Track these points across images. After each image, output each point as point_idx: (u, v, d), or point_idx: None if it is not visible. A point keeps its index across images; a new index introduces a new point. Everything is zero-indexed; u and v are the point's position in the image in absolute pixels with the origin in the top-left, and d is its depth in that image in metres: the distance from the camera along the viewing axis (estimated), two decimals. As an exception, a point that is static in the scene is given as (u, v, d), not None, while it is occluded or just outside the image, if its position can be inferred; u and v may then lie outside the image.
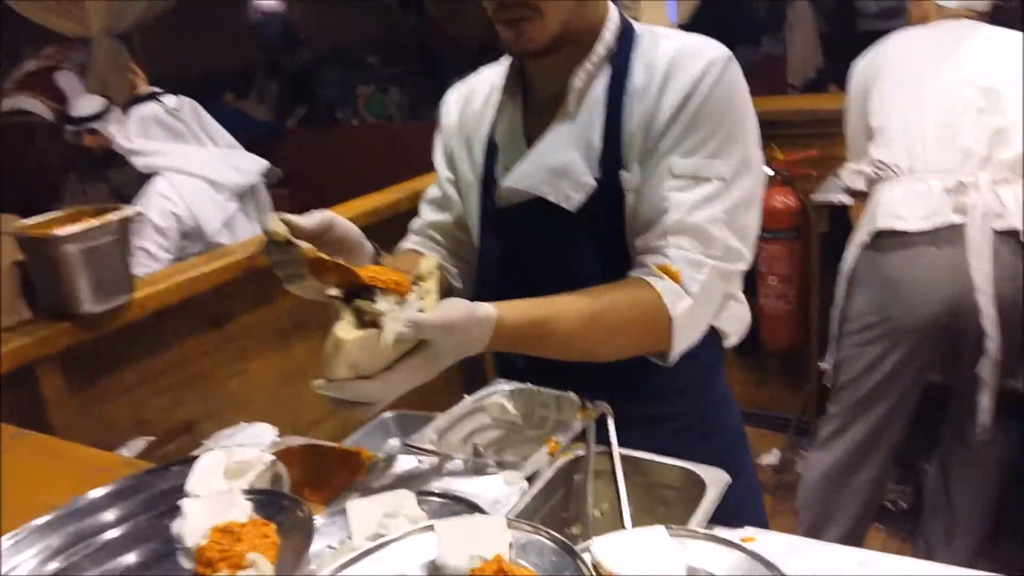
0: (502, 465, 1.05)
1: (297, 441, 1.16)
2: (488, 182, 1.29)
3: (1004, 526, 2.53)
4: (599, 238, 1.19)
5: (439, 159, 1.40)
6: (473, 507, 0.91)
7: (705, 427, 1.32)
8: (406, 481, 1.06)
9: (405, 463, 1.10)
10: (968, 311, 2.14)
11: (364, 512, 0.91)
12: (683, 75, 1.13)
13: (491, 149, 1.30)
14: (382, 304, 0.91)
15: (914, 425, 2.41)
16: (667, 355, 1.14)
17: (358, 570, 0.79)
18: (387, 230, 2.14)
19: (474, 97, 1.35)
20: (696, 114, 1.11)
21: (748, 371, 3.56)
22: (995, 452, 2.38)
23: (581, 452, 1.08)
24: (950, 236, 2.16)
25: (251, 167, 2.90)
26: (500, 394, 1.19)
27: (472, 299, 1.00)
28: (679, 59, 1.15)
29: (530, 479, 1.03)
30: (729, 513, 1.05)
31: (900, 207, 2.21)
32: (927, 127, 2.22)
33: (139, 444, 1.74)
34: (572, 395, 1.14)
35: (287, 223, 0.96)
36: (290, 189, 4.22)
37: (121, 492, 0.98)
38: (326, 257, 0.93)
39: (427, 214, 1.43)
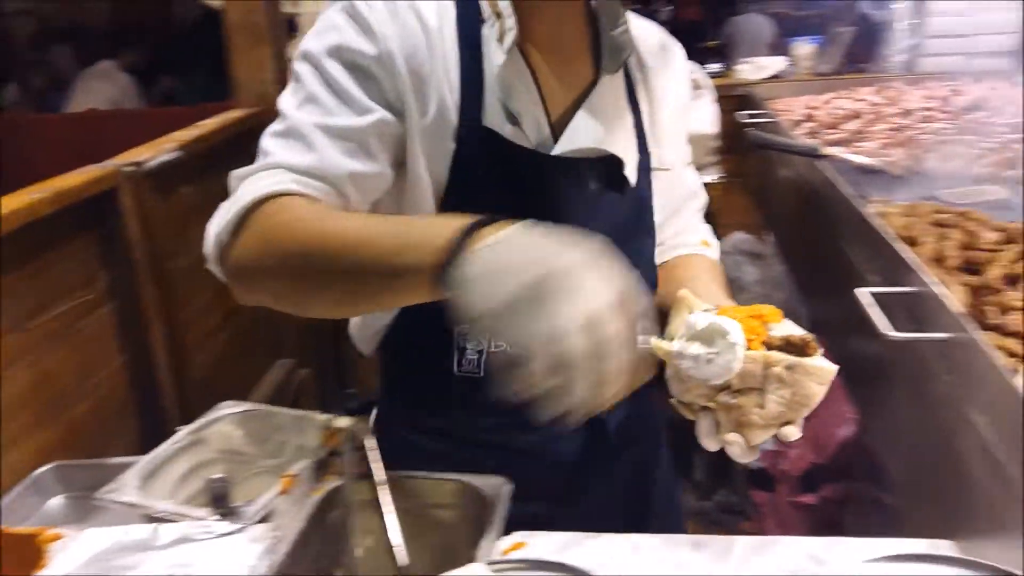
0: (222, 512, 0.84)
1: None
2: (471, 128, 1.01)
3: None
4: (642, 212, 1.15)
5: (358, 89, 0.98)
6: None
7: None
8: (110, 563, 0.79)
9: (100, 537, 0.83)
10: None
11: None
12: (679, 61, 1.21)
13: (472, 89, 1.02)
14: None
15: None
16: None
17: None
18: (21, 241, 1.76)
19: (410, 23, 1.00)
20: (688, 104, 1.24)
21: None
22: None
23: (338, 482, 0.90)
24: None
25: None
26: (226, 420, 0.97)
27: None
28: (664, 41, 1.19)
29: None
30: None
31: None
32: None
33: None
34: (316, 415, 0.96)
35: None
36: None
37: None
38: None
39: (343, 161, 0.96)
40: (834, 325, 1.89)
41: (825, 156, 1.87)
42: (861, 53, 3.29)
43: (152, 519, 0.84)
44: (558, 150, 1.04)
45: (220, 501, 0.84)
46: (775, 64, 3.23)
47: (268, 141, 0.98)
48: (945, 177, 1.84)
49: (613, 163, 1.07)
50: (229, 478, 0.97)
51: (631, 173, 1.09)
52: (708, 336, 0.85)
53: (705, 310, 0.91)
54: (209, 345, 2.52)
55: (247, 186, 0.94)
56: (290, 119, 0.97)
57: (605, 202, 1.08)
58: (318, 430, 0.95)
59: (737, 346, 0.83)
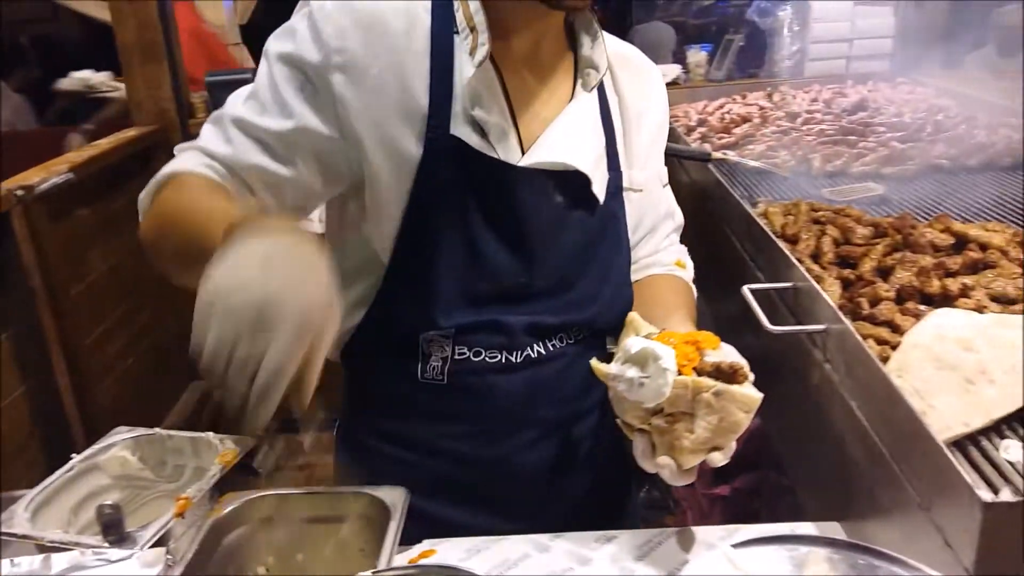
0: (113, 538, 0.83)
1: None
2: (438, 135, 1.00)
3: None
4: (612, 230, 1.15)
5: (296, 96, 0.99)
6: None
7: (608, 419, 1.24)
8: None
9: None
10: None
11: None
12: (656, 85, 1.22)
13: (441, 97, 1.01)
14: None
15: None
16: None
17: None
18: None
19: (374, 31, 0.99)
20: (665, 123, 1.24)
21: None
22: None
23: (235, 504, 0.90)
24: None
25: None
26: (120, 446, 0.96)
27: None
28: (641, 64, 1.21)
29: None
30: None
31: None
32: None
33: None
34: (210, 436, 0.96)
35: None
36: None
37: None
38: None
39: (253, 155, 1.00)
40: (732, 321, 1.97)
41: (715, 160, 1.94)
42: (751, 59, 3.42)
43: (44, 549, 0.83)
44: (524, 162, 1.04)
45: (112, 528, 0.83)
46: (671, 71, 3.32)
47: (207, 124, 1.05)
48: (829, 175, 1.94)
49: (580, 179, 1.07)
50: (125, 504, 0.96)
51: (599, 191, 1.10)
52: (642, 360, 0.88)
53: (648, 334, 0.94)
54: (115, 370, 2.46)
55: (173, 161, 1.01)
56: (229, 109, 1.03)
57: (572, 218, 1.09)
58: (213, 451, 0.95)
59: (668, 371, 0.86)
